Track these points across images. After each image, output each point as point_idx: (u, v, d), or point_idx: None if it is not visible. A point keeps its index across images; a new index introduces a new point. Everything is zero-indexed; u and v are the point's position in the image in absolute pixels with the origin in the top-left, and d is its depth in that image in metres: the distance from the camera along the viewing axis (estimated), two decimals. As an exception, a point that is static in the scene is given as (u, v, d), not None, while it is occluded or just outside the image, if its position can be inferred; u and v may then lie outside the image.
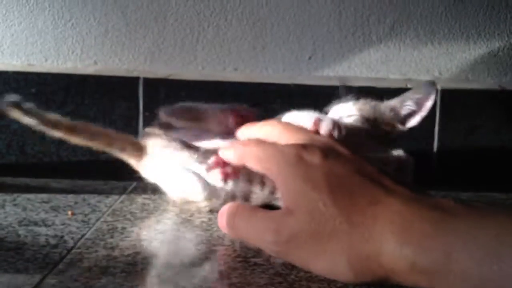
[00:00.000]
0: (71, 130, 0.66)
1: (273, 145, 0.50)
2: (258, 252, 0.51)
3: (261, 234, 0.46)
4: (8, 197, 0.68)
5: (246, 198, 0.62)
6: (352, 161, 0.46)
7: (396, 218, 0.39)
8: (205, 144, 0.65)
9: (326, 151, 0.46)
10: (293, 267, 0.47)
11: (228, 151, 0.55)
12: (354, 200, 0.41)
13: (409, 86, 0.84)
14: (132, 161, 0.68)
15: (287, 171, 0.45)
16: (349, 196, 0.41)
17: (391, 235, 0.38)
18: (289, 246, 0.44)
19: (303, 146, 0.47)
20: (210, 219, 0.61)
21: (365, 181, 0.42)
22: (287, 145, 0.48)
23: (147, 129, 0.70)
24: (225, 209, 0.51)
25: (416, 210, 0.39)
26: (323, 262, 0.41)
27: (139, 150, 0.67)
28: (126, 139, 0.68)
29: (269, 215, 0.47)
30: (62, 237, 0.55)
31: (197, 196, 0.62)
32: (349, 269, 0.40)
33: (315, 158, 0.44)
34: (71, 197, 0.69)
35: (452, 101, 0.84)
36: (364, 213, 0.40)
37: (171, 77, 0.83)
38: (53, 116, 0.66)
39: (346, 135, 0.55)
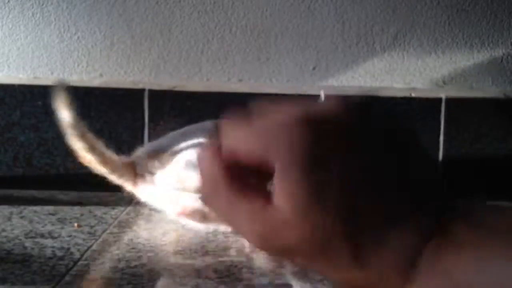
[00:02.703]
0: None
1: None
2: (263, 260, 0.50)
3: None
4: (14, 209, 0.69)
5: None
6: None
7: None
8: None
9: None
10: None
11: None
12: None
13: (413, 95, 0.85)
14: (125, 184, 0.68)
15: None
16: None
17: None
18: None
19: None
20: (215, 229, 0.61)
21: None
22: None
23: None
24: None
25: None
26: None
27: (132, 172, 0.67)
28: (118, 161, 0.67)
29: None
30: (68, 249, 0.55)
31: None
32: None
33: None
34: (77, 209, 0.69)
35: (456, 110, 0.84)
36: None
37: (176, 89, 0.84)
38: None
39: None
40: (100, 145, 0.68)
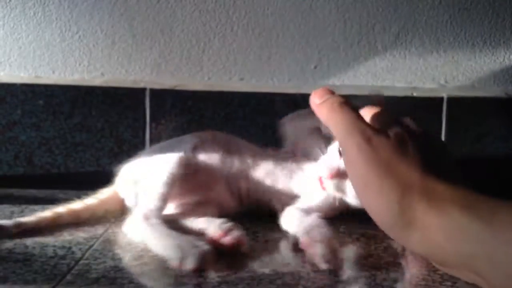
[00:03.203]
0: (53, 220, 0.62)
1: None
2: (267, 263, 0.50)
3: None
4: (16, 208, 0.69)
5: None
6: None
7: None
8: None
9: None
10: None
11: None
12: None
13: (414, 94, 0.85)
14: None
15: None
16: None
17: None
18: None
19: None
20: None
21: None
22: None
23: None
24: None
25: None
26: None
27: (118, 203, 0.67)
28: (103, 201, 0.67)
29: None
30: (70, 248, 0.55)
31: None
32: None
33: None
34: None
35: (458, 109, 0.84)
36: None
37: (178, 88, 0.83)
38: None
39: None
40: None
